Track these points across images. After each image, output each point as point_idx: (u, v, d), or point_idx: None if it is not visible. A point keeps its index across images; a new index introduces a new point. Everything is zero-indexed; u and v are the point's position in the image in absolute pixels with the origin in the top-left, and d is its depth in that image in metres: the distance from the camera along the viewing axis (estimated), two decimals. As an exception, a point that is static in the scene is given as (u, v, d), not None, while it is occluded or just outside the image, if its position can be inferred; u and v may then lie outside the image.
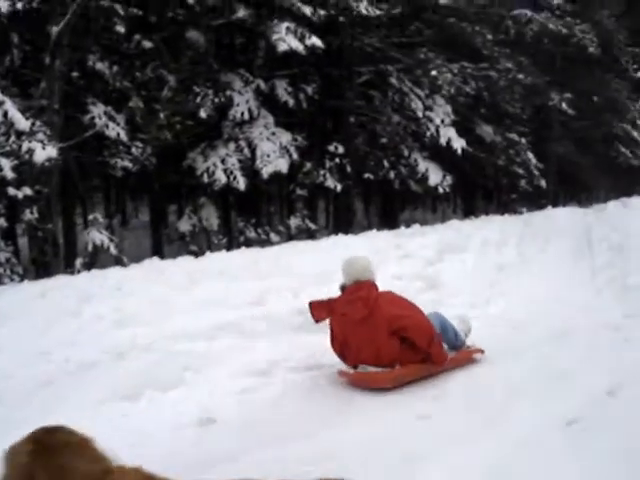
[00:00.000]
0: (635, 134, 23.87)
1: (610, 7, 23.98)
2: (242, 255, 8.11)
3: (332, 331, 5.65)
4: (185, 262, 7.66)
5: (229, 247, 11.86)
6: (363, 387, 5.40)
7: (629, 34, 24.10)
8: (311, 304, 5.86)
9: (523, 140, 16.58)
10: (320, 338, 6.44)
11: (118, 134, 10.95)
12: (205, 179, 11.53)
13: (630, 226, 12.30)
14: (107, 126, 10.92)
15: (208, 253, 8.50)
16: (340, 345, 5.61)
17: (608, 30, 21.19)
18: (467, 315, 6.64)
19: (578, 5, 18.61)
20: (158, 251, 12.85)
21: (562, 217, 12.35)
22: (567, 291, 8.99)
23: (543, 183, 17.37)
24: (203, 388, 5.40)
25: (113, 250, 10.89)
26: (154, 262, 7.60)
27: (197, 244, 12.56)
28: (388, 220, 15.88)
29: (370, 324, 5.38)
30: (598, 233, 11.81)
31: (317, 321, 5.83)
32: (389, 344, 5.39)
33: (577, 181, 22.62)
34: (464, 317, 6.46)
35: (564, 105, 17.79)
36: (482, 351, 6.17)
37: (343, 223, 13.73)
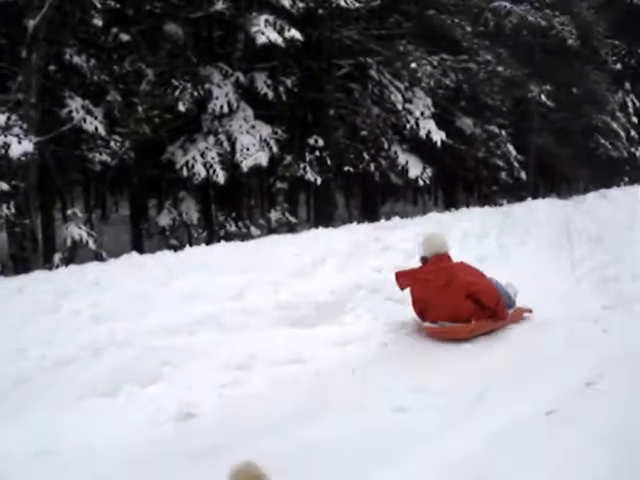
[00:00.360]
0: (614, 125, 24.05)
1: (589, -1, 24.15)
2: (222, 249, 8.08)
3: (413, 296, 6.88)
4: (164, 256, 7.61)
5: (209, 241, 11.81)
6: (443, 339, 6.54)
7: (608, 26, 24.24)
8: (396, 274, 6.93)
9: (503, 132, 16.65)
10: (300, 331, 6.45)
11: (96, 128, 10.85)
12: (185, 173, 11.47)
13: (609, 217, 12.41)
14: (85, 120, 10.82)
15: (188, 247, 8.45)
16: (420, 307, 6.83)
17: (587, 22, 21.29)
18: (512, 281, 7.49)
19: (557, -3, 18.68)
20: (138, 245, 12.78)
21: (542, 208, 12.43)
22: (546, 282, 9.05)
23: (523, 175, 17.47)
24: (183, 383, 5.37)
25: (92, 245, 10.80)
26: (133, 257, 7.55)
27: (177, 238, 12.51)
28: (369, 213, 15.89)
29: (450, 289, 6.56)
30: (577, 224, 11.91)
31: (402, 289, 6.93)
32: (465, 305, 6.59)
33: (557, 173, 22.76)
34: (511, 283, 7.47)
35: (543, 97, 17.88)
36: (530, 310, 7.40)
37: (324, 216, 13.71)
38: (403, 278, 6.89)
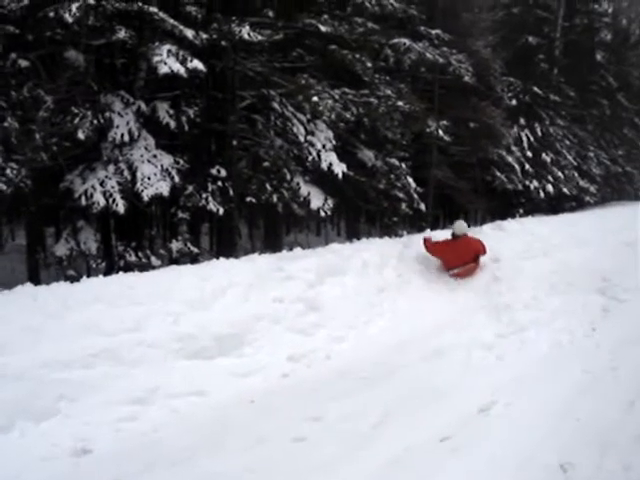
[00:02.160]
0: (510, 159, 24.88)
1: (485, 38, 25.06)
2: (120, 280, 7.95)
3: (445, 257, 11.32)
4: (60, 287, 7.42)
5: (108, 271, 11.57)
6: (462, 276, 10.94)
7: (504, 64, 25.20)
8: (430, 246, 11.46)
9: (403, 165, 16.99)
10: (199, 363, 6.42)
11: (-9, 155, 10.55)
12: (83, 202, 11.20)
13: (504, 248, 12.84)
14: (-21, 147, 10.51)
15: (85, 278, 8.27)
16: (449, 263, 11.21)
17: (484, 60, 22.08)
18: None
19: (455, 35, 19.29)
20: (34, 276, 12.41)
21: (441, 238, 12.71)
22: (443, 311, 9.30)
23: (423, 206, 17.83)
24: (78, 417, 5.28)
25: (-15, 275, 10.45)
26: (26, 288, 7.33)
27: (75, 269, 12.22)
28: (272, 243, 15.91)
29: (468, 251, 11.29)
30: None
31: (433, 255, 11.48)
32: (472, 258, 11.29)
33: (455, 204, 23.35)
34: None
35: (441, 132, 18.39)
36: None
37: (226, 247, 13.64)
38: (437, 247, 11.44)
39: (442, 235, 12.77)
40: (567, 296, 9.79)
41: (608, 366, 6.80)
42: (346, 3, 14.62)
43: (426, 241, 11.58)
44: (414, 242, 12.63)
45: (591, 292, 10.14)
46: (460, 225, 11.69)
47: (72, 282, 7.86)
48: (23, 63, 11.27)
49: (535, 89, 27.45)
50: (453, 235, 11.54)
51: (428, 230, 15.82)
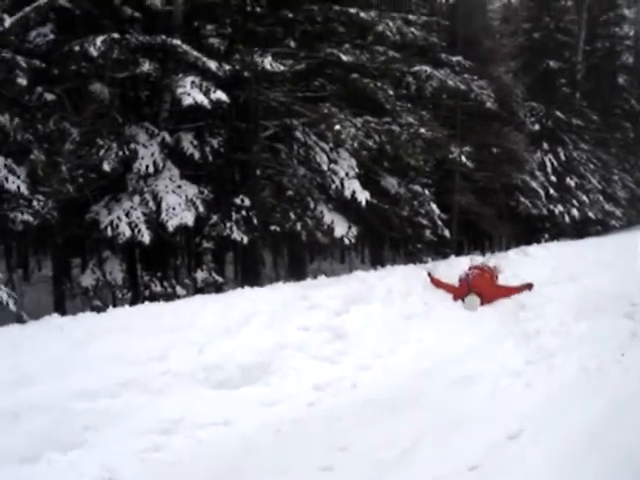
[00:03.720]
0: (534, 184, 24.82)
1: (507, 64, 25.13)
2: (146, 309, 7.99)
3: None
4: (86, 318, 7.48)
5: (134, 301, 11.65)
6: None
7: (526, 89, 25.23)
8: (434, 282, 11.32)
9: (427, 191, 17.01)
10: (224, 393, 6.41)
11: (18, 187, 10.68)
12: (109, 232, 11.33)
13: (530, 273, 12.76)
14: (7, 179, 10.64)
15: (111, 308, 8.33)
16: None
17: (505, 85, 22.13)
18: None
19: (476, 62, 19.36)
20: (60, 306, 12.50)
21: (465, 265, 12.68)
22: (470, 338, 9.21)
23: (447, 233, 17.81)
24: (104, 447, 5.28)
25: (12, 306, 10.52)
26: (54, 318, 7.40)
27: (101, 299, 12.31)
28: (296, 271, 15.94)
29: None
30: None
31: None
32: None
33: (479, 230, 23.28)
34: None
35: (464, 158, 18.38)
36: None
37: (251, 275, 13.69)
38: (443, 286, 11.27)
39: (461, 263, 12.84)
40: (595, 321, 9.67)
41: (637, 392, 6.69)
42: (367, 32, 14.72)
43: (432, 277, 11.59)
44: (439, 269, 12.60)
45: (619, 317, 10.02)
46: (471, 300, 10.84)
47: (98, 312, 7.92)
48: (49, 96, 11.47)
49: (558, 113, 27.40)
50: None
51: (452, 256, 15.82)
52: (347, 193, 13.68)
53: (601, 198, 29.35)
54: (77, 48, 10.87)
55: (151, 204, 11.70)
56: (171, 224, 11.55)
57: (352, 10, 13.74)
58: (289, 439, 5.61)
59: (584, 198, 27.77)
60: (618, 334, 9.09)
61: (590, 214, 28.07)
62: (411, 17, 15.39)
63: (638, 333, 9.27)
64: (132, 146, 11.77)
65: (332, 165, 13.92)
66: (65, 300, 13.27)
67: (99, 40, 10.78)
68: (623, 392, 6.74)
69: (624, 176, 32.95)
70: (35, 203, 10.80)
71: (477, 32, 21.35)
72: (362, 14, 13.78)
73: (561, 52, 28.66)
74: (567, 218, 26.85)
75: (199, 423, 5.75)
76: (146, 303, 8.64)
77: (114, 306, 9.58)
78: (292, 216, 13.40)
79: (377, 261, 18.12)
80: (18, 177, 10.83)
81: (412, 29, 14.97)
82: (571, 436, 5.55)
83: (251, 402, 6.32)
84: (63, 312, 10.30)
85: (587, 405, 6.36)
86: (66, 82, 11.85)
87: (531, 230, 26.00)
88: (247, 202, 13.04)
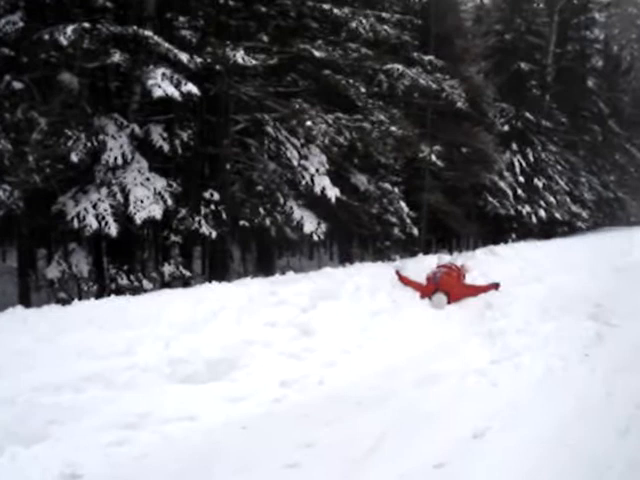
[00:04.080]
0: (502, 184, 25.01)
1: (478, 64, 25.28)
2: (112, 303, 7.91)
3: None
4: (51, 310, 7.38)
5: (100, 294, 11.52)
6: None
7: (496, 90, 25.39)
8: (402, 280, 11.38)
9: (396, 189, 17.04)
10: (191, 388, 6.37)
11: (-17, 177, 10.53)
12: (76, 224, 11.18)
13: (497, 273, 12.86)
14: (-29, 168, 10.50)
15: (77, 301, 8.23)
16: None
17: (476, 86, 22.24)
18: None
19: (448, 61, 19.43)
20: (25, 298, 12.33)
21: (433, 263, 12.75)
22: (437, 337, 9.27)
23: (415, 231, 17.87)
24: (69, 442, 5.23)
25: (-25, 298, 10.39)
26: (17, 310, 7.29)
27: (66, 291, 12.17)
28: (265, 267, 15.90)
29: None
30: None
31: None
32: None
33: (448, 229, 23.40)
34: None
35: (434, 157, 18.46)
36: None
37: (219, 270, 13.61)
38: (410, 283, 11.33)
39: (429, 261, 12.93)
40: (560, 322, 9.79)
41: (602, 392, 6.78)
42: (340, 29, 14.69)
43: (400, 275, 11.66)
44: (407, 267, 12.65)
45: (584, 317, 10.14)
46: (439, 299, 10.94)
47: (63, 305, 7.82)
48: (17, 85, 11.28)
49: (527, 115, 27.64)
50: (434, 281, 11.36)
51: (420, 254, 15.90)
52: (317, 189, 13.66)
53: (568, 200, 29.66)
54: (47, 37, 10.71)
55: (119, 196, 11.57)
56: (139, 217, 11.44)
57: (326, 6, 13.71)
58: (255, 435, 5.60)
59: (551, 199, 28.05)
60: (583, 334, 9.21)
61: (557, 215, 28.36)
62: (384, 15, 15.35)
63: (603, 334, 9.39)
64: (101, 137, 11.63)
65: (302, 161, 13.89)
66: (30, 292, 13.09)
67: (69, 29, 10.62)
68: (588, 392, 6.83)
69: (591, 178, 33.33)
70: (0, 193, 10.64)
71: (449, 32, 21.42)
72: (336, 10, 13.76)
73: (532, 54, 28.89)
74: (534, 219, 27.10)
75: (165, 418, 5.71)
76: (112, 296, 8.54)
77: (80, 299, 9.48)
78: (261, 211, 13.35)
79: (346, 258, 18.13)
80: (-17, 166, 10.67)
81: (385, 27, 14.94)
82: (537, 435, 5.60)
83: (217, 397, 6.30)
84: (28, 304, 10.17)
85: (553, 404, 6.43)
86: (35, 71, 11.67)
87: (499, 230, 26.21)
88: (216, 196, 12.96)
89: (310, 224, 13.62)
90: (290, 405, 6.41)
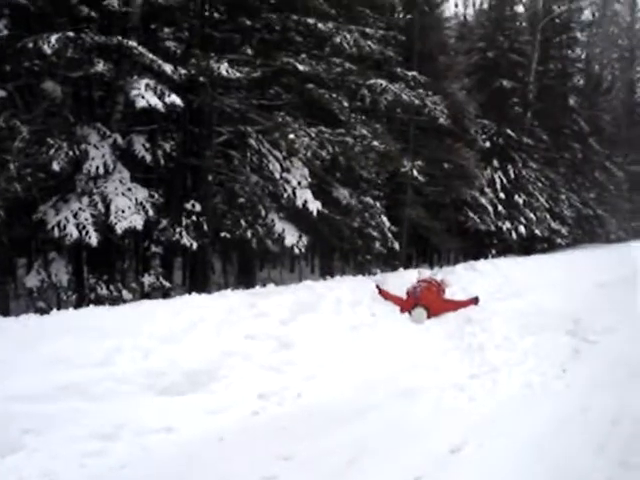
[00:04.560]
0: (483, 200, 25.14)
1: (461, 81, 25.43)
2: (91, 313, 7.88)
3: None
4: (29, 319, 7.34)
5: (79, 304, 11.46)
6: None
7: (479, 106, 25.56)
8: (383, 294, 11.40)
9: (378, 204, 17.09)
10: (169, 399, 6.35)
11: (-36, 184, 10.47)
12: (56, 233, 11.13)
13: (477, 289, 12.93)
14: (-48, 176, 10.43)
15: (55, 310, 8.19)
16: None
17: (459, 102, 22.38)
18: None
19: (431, 77, 19.55)
20: (4, 307, 12.24)
21: (413, 278, 12.79)
22: (416, 351, 9.29)
23: (396, 245, 17.91)
24: (45, 452, 5.20)
25: (-47, 306, 10.31)
26: (-5, 319, 7.27)
27: (45, 300, 12.10)
28: (246, 279, 15.87)
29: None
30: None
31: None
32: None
33: (429, 243, 23.48)
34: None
35: (415, 172, 18.55)
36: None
37: (199, 281, 13.59)
38: (391, 298, 11.31)
39: (410, 275, 12.99)
40: (539, 337, 9.86)
41: (578, 407, 6.83)
42: (324, 43, 14.76)
43: (380, 289, 11.70)
44: (388, 281, 12.68)
45: (562, 333, 10.23)
46: (418, 313, 10.99)
47: (42, 314, 7.78)
48: (0, 93, 11.25)
49: (509, 132, 27.84)
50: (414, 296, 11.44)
51: (401, 269, 15.95)
52: (299, 202, 13.68)
53: (548, 216, 29.84)
54: (31, 45, 10.68)
55: (100, 206, 11.53)
56: (120, 227, 11.40)
57: (310, 20, 13.77)
58: (233, 447, 5.59)
59: (531, 215, 28.22)
60: (561, 350, 9.29)
61: (537, 231, 28.53)
62: (368, 30, 15.45)
63: (580, 350, 9.47)
64: (83, 146, 11.60)
65: (285, 174, 13.92)
66: (9, 301, 13.01)
67: (53, 38, 10.61)
68: (565, 407, 6.88)
69: (571, 195, 33.57)
70: (-20, 201, 10.58)
71: (433, 48, 21.58)
72: (320, 25, 13.82)
73: (514, 72, 29.12)
74: (514, 235, 27.25)
75: (142, 429, 5.69)
76: (91, 306, 8.51)
77: (59, 308, 9.44)
78: (243, 223, 13.35)
79: (327, 271, 18.16)
80: (-36, 174, 10.61)
81: (369, 42, 15.03)
82: (513, 450, 5.64)
83: (195, 409, 6.29)
84: (6, 313, 10.12)
85: (530, 419, 6.48)
86: (18, 79, 11.64)
87: (479, 245, 26.34)
88: (198, 207, 12.96)
89: (291, 237, 13.63)
90: (268, 418, 6.41)
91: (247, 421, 6.26)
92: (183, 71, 12.08)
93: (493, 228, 26.12)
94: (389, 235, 17.45)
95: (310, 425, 6.21)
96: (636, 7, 45.37)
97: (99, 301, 11.36)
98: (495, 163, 27.55)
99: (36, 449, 5.23)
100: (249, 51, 13.64)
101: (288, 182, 13.84)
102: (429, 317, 10.92)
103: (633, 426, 6.28)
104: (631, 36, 45.73)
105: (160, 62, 11.68)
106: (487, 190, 25.92)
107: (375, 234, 16.96)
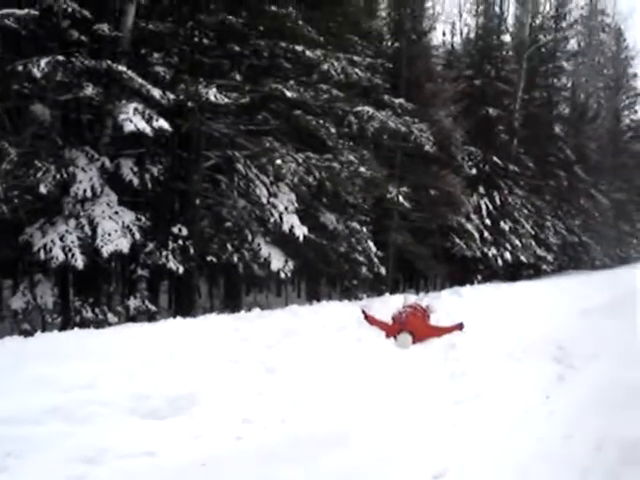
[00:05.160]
0: (469, 227, 25.28)
1: (447, 108, 25.66)
2: (75, 335, 7.88)
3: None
4: (13, 341, 7.34)
5: (64, 327, 11.43)
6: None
7: (465, 133, 25.78)
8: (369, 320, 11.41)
9: (364, 229, 17.20)
10: (152, 423, 6.34)
11: (-50, 205, 10.48)
12: (42, 256, 11.14)
13: (462, 314, 12.97)
14: (-61, 197, 10.44)
15: (39, 333, 8.18)
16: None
17: (445, 129, 22.59)
18: None
19: (418, 104, 19.75)
20: (-12, 329, 12.23)
21: (399, 303, 12.84)
22: (400, 376, 9.31)
23: (383, 270, 17.98)
24: (26, 475, 5.19)
25: (-64, 328, 10.26)
26: (-21, 341, 7.25)
27: (30, 322, 12.06)
28: (232, 303, 15.88)
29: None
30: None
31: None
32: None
33: (415, 269, 23.54)
34: None
35: (401, 198, 18.68)
36: None
37: (185, 305, 13.60)
38: (378, 324, 11.30)
39: (395, 301, 13.05)
40: (523, 363, 9.91)
41: (562, 434, 6.86)
42: (312, 70, 14.92)
43: (366, 315, 11.70)
44: (374, 306, 12.73)
45: (546, 360, 10.27)
46: (403, 339, 11.00)
47: (26, 336, 7.77)
48: (-12, 115, 11.30)
49: (495, 159, 28.06)
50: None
51: (387, 294, 16.01)
52: (285, 227, 13.75)
53: (533, 243, 30.02)
54: (20, 68, 10.75)
55: (87, 229, 11.55)
56: (106, 250, 11.42)
57: (298, 47, 13.93)
58: (215, 473, 5.59)
59: (517, 242, 28.38)
60: (545, 377, 9.33)
61: (522, 258, 28.69)
62: (356, 58, 15.64)
63: (564, 376, 9.51)
64: (71, 169, 11.64)
65: (272, 199, 14.00)
66: (-7, 323, 12.96)
67: (43, 62, 10.69)
68: (549, 433, 6.91)
69: (556, 222, 33.80)
70: (-33, 222, 10.59)
71: (420, 76, 21.81)
72: (308, 52, 13.98)
73: (500, 100, 29.41)
74: (500, 261, 27.38)
75: (124, 453, 5.68)
76: (76, 329, 8.51)
77: (43, 331, 9.42)
78: (229, 247, 13.40)
79: (313, 296, 18.19)
80: (-49, 195, 10.62)
81: (357, 70, 15.21)
82: (496, 476, 5.66)
83: (178, 434, 6.28)
84: (-11, 335, 10.05)
85: (513, 445, 6.50)
86: (7, 101, 11.69)
87: (465, 271, 26.42)
88: (185, 231, 13.00)
89: (277, 261, 13.68)
90: (252, 443, 6.40)
91: (230, 446, 6.26)
92: (172, 96, 12.18)
93: (479, 254, 26.23)
94: (375, 260, 17.52)
95: (294, 450, 6.21)
96: (621, 37, 45.92)
97: (84, 324, 11.34)
98: (481, 190, 27.73)
99: (18, 472, 5.22)
100: (238, 77, 13.77)
101: (275, 207, 13.92)
102: (414, 342, 10.96)
103: (617, 451, 6.31)
104: (617, 65, 46.24)
105: (149, 87, 11.77)
106: (473, 216, 26.08)
107: (362, 259, 17.04)
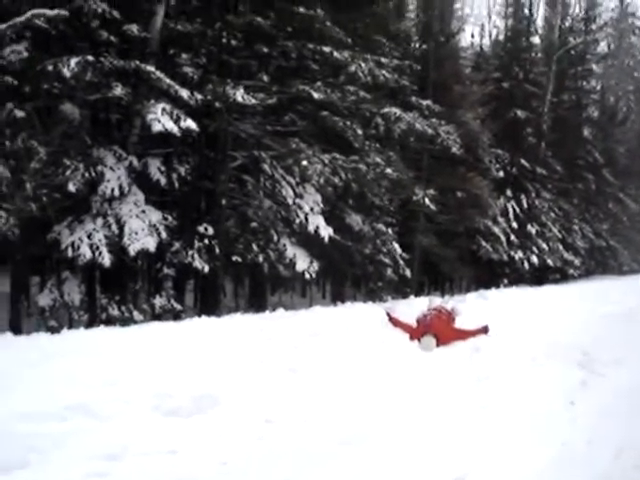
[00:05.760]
0: (496, 230, 25.20)
1: (475, 110, 25.56)
2: (101, 333, 7.96)
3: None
4: (40, 338, 7.43)
5: (90, 324, 11.56)
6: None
7: (492, 136, 25.68)
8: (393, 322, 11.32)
9: (390, 231, 17.21)
10: (174, 421, 6.37)
11: (-20, 203, 10.63)
12: (70, 253, 11.28)
13: (486, 318, 12.89)
14: (-31, 194, 10.60)
15: (66, 330, 8.27)
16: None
17: (473, 131, 22.51)
18: None
19: (445, 106, 19.69)
20: (16, 325, 12.35)
21: (424, 305, 12.81)
22: (423, 379, 9.27)
23: (408, 272, 17.97)
24: (49, 471, 5.21)
25: (-35, 323, 10.41)
26: (6, 337, 7.33)
27: (57, 319, 12.19)
28: (257, 303, 15.94)
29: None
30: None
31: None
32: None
33: (440, 272, 23.49)
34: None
35: (427, 200, 18.64)
36: None
37: (210, 304, 13.68)
38: (401, 325, 11.23)
39: (420, 303, 12.98)
40: (547, 368, 9.81)
41: (584, 439, 6.79)
42: (339, 72, 14.96)
43: (390, 317, 11.63)
44: (398, 308, 12.70)
45: (570, 365, 10.16)
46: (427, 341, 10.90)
47: (53, 333, 7.86)
48: (19, 114, 11.44)
49: (522, 162, 27.92)
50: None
51: (412, 296, 15.97)
52: (311, 228, 13.79)
53: (561, 247, 29.82)
54: (50, 68, 10.89)
55: (114, 227, 11.68)
56: (133, 248, 11.53)
57: (326, 49, 13.96)
58: (235, 471, 5.59)
59: (544, 246, 28.21)
60: (569, 382, 9.23)
61: (549, 262, 28.50)
62: (383, 60, 15.66)
63: (588, 382, 9.41)
64: (99, 168, 11.77)
65: (297, 199, 14.05)
66: (21, 319, 13.11)
67: (73, 61, 10.82)
68: (571, 438, 6.84)
69: (584, 226, 33.55)
70: (-4, 219, 10.72)
71: (448, 78, 21.78)
72: (336, 54, 14.01)
73: (529, 102, 29.27)
74: (527, 264, 27.24)
75: (146, 451, 5.70)
76: (102, 327, 8.60)
77: (70, 328, 9.52)
78: (255, 248, 13.46)
79: (338, 297, 18.20)
80: (-19, 192, 10.76)
81: (384, 71, 15.23)
82: (518, 479, 5.62)
83: (200, 432, 6.29)
84: (18, 331, 10.21)
85: (535, 451, 6.44)
86: (37, 100, 11.83)
87: (491, 274, 26.31)
88: (210, 231, 13.07)
89: (303, 262, 13.72)
90: (274, 442, 6.40)
91: (252, 445, 6.26)
92: (199, 96, 12.27)
93: (505, 257, 26.11)
94: (401, 262, 17.51)
95: (317, 450, 6.20)
96: (652, 39, 45.41)
97: (110, 321, 11.45)
98: (508, 193, 27.60)
99: (40, 468, 5.25)
100: (265, 78, 13.84)
101: (300, 208, 13.96)
102: (438, 345, 10.90)
103: (636, 458, 6.24)
104: (647, 68, 45.78)
105: (177, 87, 11.86)
106: (500, 219, 25.97)
107: (387, 261, 17.03)
